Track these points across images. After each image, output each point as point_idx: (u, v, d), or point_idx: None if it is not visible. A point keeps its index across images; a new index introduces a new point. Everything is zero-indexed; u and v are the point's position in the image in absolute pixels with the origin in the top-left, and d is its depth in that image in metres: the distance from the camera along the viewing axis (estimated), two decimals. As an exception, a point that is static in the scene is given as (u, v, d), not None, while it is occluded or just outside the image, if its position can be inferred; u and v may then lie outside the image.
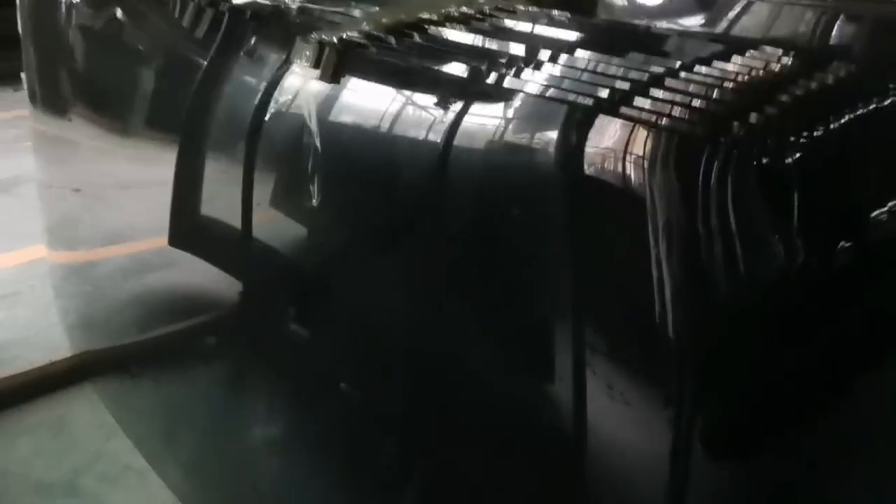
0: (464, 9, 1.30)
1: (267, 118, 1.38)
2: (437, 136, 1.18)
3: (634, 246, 1.01)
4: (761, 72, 1.08)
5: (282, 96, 1.33)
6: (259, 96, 1.36)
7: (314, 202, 1.33)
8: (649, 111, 0.98)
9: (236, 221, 1.64)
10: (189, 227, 1.87)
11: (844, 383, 1.22)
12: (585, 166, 1.03)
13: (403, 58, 1.22)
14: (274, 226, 1.64)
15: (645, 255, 0.99)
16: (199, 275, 1.86)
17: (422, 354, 1.39)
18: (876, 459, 1.21)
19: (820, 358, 1.15)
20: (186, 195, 1.85)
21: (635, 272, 1.04)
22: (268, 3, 1.43)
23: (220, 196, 1.72)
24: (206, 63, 1.61)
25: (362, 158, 1.27)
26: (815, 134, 1.00)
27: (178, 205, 1.86)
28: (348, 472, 1.61)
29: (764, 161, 0.96)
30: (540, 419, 1.24)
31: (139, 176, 2.08)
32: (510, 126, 1.14)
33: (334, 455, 1.63)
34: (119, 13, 2.03)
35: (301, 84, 1.27)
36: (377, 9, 1.32)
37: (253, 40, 1.41)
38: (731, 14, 1.29)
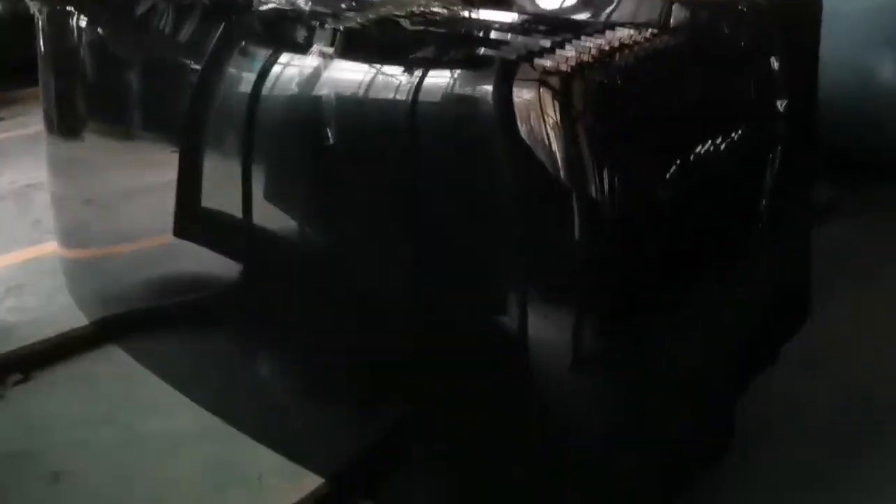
0: (422, 8, 1.87)
1: (290, 94, 1.89)
2: (408, 91, 1.71)
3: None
4: (616, 40, 1.67)
5: (302, 77, 1.85)
6: (285, 78, 1.89)
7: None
8: (545, 61, 1.57)
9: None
10: (193, 218, 2.31)
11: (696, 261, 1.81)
12: (514, 102, 1.59)
13: (385, 39, 1.78)
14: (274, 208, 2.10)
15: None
16: (203, 255, 2.30)
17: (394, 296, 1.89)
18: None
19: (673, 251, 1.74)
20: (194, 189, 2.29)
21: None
22: (286, 7, 1.97)
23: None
24: (222, 63, 2.10)
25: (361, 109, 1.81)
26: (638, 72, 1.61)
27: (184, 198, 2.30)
28: (337, 390, 2.09)
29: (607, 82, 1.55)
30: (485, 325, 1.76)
31: (149, 181, 2.51)
32: (459, 79, 1.69)
33: (324, 377, 2.11)
34: (133, 29, 2.46)
35: (316, 61, 1.80)
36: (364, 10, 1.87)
37: (276, 36, 1.94)
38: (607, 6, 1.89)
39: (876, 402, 2.41)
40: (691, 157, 1.77)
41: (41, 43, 2.74)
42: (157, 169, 2.42)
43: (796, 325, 2.37)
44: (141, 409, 2.40)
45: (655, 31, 1.75)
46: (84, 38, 2.59)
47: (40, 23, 2.70)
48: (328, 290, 2.02)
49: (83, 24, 2.57)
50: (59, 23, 2.67)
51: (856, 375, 2.53)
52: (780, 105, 1.93)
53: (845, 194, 3.78)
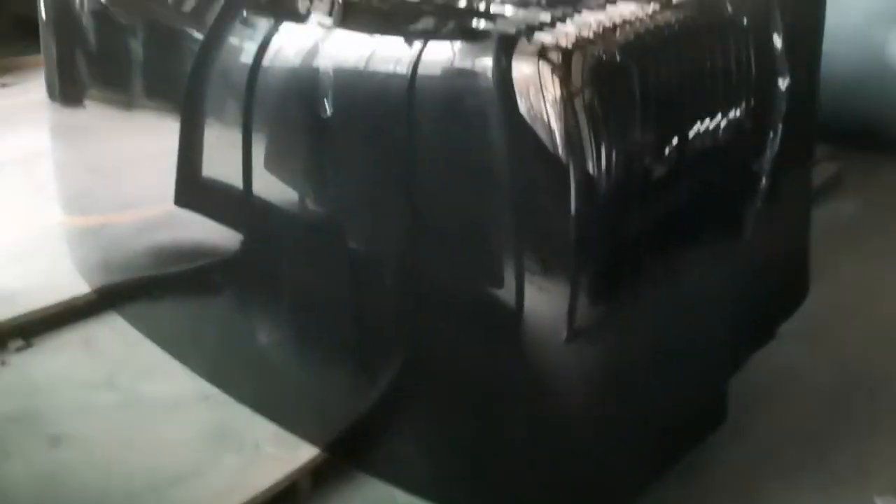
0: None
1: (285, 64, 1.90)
2: (407, 63, 1.71)
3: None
4: (617, 15, 1.66)
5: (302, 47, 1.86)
6: (284, 48, 1.90)
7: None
8: (545, 36, 1.57)
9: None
10: (193, 187, 2.32)
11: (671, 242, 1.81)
12: (513, 77, 1.59)
13: (384, 10, 1.77)
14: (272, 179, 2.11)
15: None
16: (203, 224, 2.31)
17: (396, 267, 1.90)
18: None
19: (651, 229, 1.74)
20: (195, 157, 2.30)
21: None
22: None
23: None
24: (215, 34, 2.10)
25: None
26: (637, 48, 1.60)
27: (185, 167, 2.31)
28: (332, 355, 2.11)
29: (606, 58, 1.55)
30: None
31: (151, 150, 2.50)
32: (458, 52, 1.69)
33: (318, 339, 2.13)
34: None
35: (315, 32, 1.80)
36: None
37: (277, 5, 1.94)
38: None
39: (872, 379, 2.41)
40: (689, 133, 1.77)
41: (42, 8, 2.73)
42: (159, 137, 2.41)
43: (795, 303, 2.37)
44: (140, 377, 2.43)
45: (657, 6, 1.74)
46: (86, 4, 2.58)
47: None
48: (326, 261, 2.02)
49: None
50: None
51: (852, 352, 2.53)
52: (782, 81, 1.91)
53: (847, 171, 3.76)
